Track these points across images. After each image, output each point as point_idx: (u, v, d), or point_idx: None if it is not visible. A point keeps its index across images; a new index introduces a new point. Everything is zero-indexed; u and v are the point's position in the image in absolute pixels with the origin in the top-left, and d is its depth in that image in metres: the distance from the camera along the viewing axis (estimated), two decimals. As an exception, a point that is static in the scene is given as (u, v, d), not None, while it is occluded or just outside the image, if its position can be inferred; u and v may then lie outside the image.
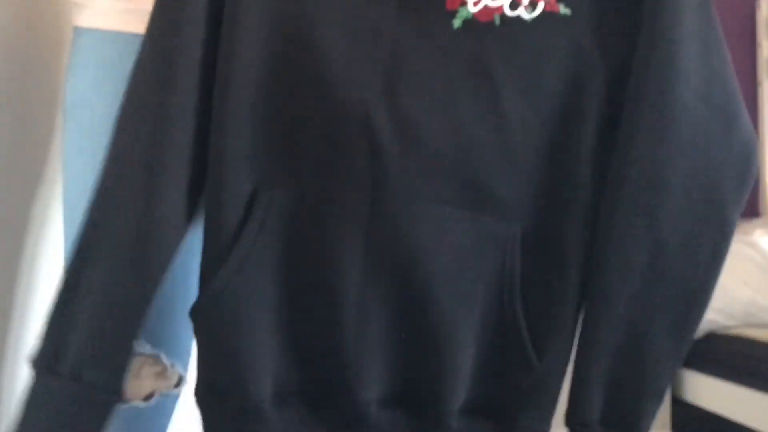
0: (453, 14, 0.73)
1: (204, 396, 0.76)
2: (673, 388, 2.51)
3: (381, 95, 0.73)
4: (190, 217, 0.76)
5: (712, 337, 2.33)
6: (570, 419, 0.82)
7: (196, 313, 0.75)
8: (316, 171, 0.75)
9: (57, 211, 1.04)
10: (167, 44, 0.74)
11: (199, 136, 0.74)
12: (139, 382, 0.86)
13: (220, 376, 0.75)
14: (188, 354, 0.92)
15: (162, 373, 0.88)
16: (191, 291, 0.81)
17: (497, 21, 0.73)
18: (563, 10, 0.73)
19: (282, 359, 0.76)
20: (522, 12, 0.72)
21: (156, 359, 0.87)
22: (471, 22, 0.73)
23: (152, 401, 0.88)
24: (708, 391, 2.33)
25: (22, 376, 0.99)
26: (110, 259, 0.72)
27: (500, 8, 0.73)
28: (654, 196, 0.74)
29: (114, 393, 0.72)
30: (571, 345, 0.81)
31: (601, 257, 0.76)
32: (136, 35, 0.87)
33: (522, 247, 0.76)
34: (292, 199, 0.74)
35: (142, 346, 0.86)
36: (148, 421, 0.89)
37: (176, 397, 0.93)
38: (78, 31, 0.90)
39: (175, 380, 0.90)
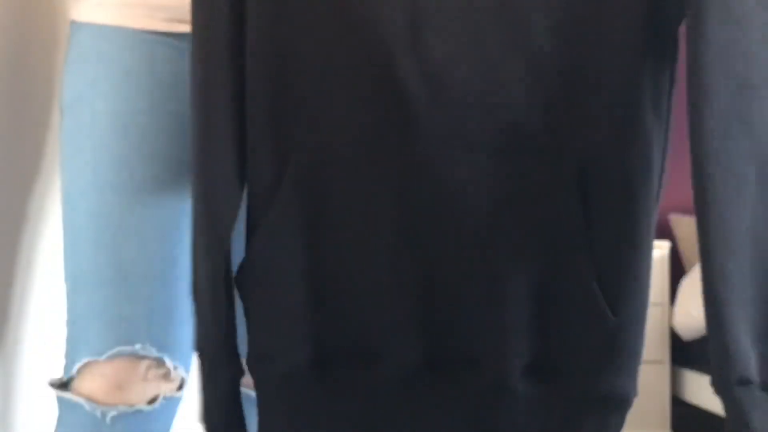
0: None
1: (253, 363, 0.74)
2: (673, 388, 2.51)
3: (405, 38, 0.69)
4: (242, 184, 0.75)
5: (712, 337, 2.33)
6: (719, 378, 0.67)
7: (239, 280, 0.73)
8: (343, 127, 0.72)
9: (53, 207, 1.03)
10: (202, 21, 0.73)
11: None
12: (144, 385, 0.85)
13: (264, 341, 0.74)
14: (190, 356, 0.91)
15: (166, 376, 0.88)
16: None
17: None
18: None
19: (321, 322, 0.74)
20: None
21: (160, 362, 0.86)
22: None
23: (156, 404, 0.87)
24: (708, 391, 2.31)
25: (20, 372, 0.99)
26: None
27: None
28: (744, 98, 0.66)
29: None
30: (648, 295, 0.73)
31: (703, 176, 0.66)
32: (134, 30, 0.86)
33: (580, 189, 0.71)
34: (321, 160, 0.72)
35: (147, 350, 0.85)
36: (152, 424, 0.88)
37: (179, 399, 0.92)
38: (75, 25, 0.88)
39: (178, 383, 0.89)
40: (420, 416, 0.74)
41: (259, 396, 0.76)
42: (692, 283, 2.39)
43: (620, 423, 0.75)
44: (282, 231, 0.72)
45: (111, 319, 0.85)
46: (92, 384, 0.84)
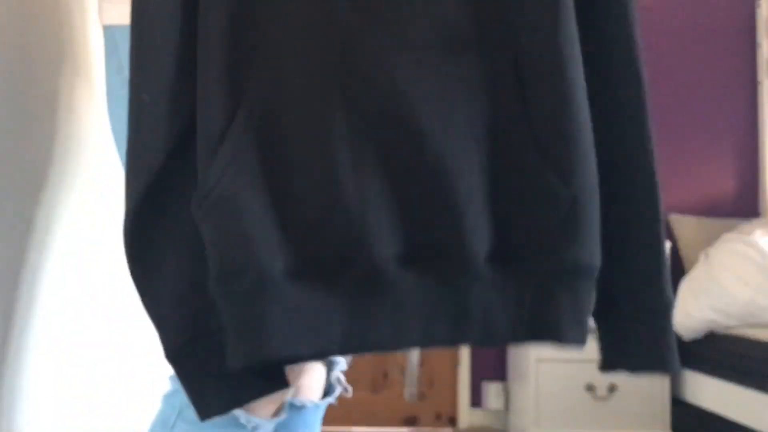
0: None
1: (219, 282, 0.76)
2: (673, 387, 2.52)
3: None
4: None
5: (712, 337, 2.34)
6: None
7: (195, 209, 0.75)
8: (288, 45, 0.76)
9: (61, 216, 1.05)
10: None
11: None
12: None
13: (229, 260, 0.75)
14: None
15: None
16: None
17: None
18: None
19: (287, 236, 0.76)
20: None
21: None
22: None
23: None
24: (708, 391, 2.33)
25: (24, 379, 0.99)
26: None
27: None
28: None
29: None
30: (594, 164, 0.77)
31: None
32: None
33: (516, 73, 0.75)
34: (270, 86, 0.76)
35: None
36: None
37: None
38: (113, 30, 0.87)
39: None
40: (396, 308, 0.76)
41: (226, 311, 0.76)
42: (692, 284, 2.40)
43: (591, 290, 0.77)
44: (238, 157, 0.75)
45: None
46: None
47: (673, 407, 2.49)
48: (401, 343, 0.77)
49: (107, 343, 1.22)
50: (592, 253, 0.75)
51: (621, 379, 2.46)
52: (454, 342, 0.78)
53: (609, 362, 0.80)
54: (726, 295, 2.25)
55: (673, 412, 2.49)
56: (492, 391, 2.83)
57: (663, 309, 0.79)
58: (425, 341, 0.79)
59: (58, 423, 0.87)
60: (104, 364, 1.19)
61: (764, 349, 2.07)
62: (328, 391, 0.96)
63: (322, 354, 0.79)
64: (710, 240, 2.54)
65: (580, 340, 0.75)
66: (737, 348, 2.21)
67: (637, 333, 0.79)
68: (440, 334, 0.77)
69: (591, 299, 0.77)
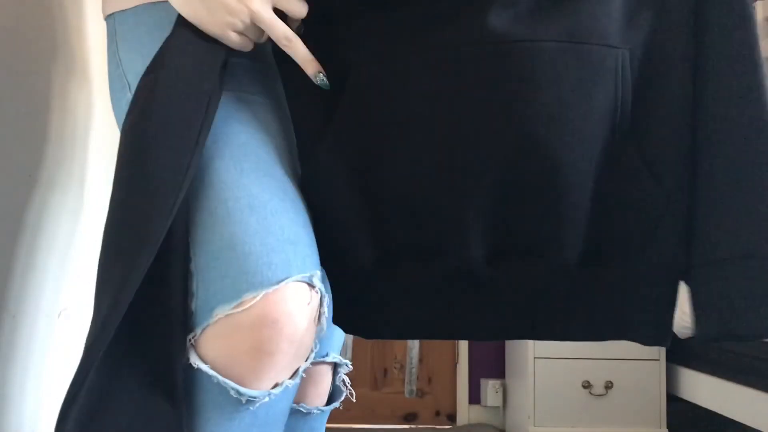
0: None
1: (325, 260, 0.77)
2: (668, 385, 2.54)
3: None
4: None
5: (707, 335, 2.35)
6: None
7: (304, 192, 0.77)
8: (398, 37, 0.73)
9: (51, 218, 1.03)
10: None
11: None
12: (313, 329, 0.73)
13: (330, 243, 0.77)
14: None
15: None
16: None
17: None
18: None
19: (383, 225, 0.77)
20: None
21: (322, 302, 0.75)
22: None
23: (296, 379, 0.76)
24: (703, 388, 2.35)
25: (14, 371, 0.98)
26: None
27: None
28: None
29: None
30: (692, 166, 0.73)
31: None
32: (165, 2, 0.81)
33: (631, 74, 0.72)
34: (378, 72, 0.74)
35: (319, 282, 0.73)
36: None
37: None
38: (127, 13, 0.84)
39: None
40: (482, 304, 0.78)
41: (333, 289, 0.80)
42: (688, 283, 2.41)
43: (675, 289, 0.77)
44: (342, 143, 0.76)
45: (276, 242, 0.71)
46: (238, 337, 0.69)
47: (668, 404, 2.51)
48: (482, 333, 0.79)
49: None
50: (678, 251, 0.74)
51: (617, 376, 2.49)
52: (519, 335, 0.79)
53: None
54: (721, 293, 2.26)
55: (669, 409, 2.51)
56: (490, 388, 2.85)
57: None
58: (501, 334, 0.80)
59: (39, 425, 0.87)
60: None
61: (759, 347, 2.09)
62: (333, 394, 0.97)
63: (409, 337, 0.81)
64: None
65: (658, 342, 0.77)
66: (733, 346, 2.23)
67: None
68: (515, 330, 0.78)
69: (676, 296, 0.77)
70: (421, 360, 2.82)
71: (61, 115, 1.07)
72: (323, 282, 0.75)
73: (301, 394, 0.92)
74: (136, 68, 0.82)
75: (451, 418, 2.90)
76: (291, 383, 0.73)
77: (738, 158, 0.70)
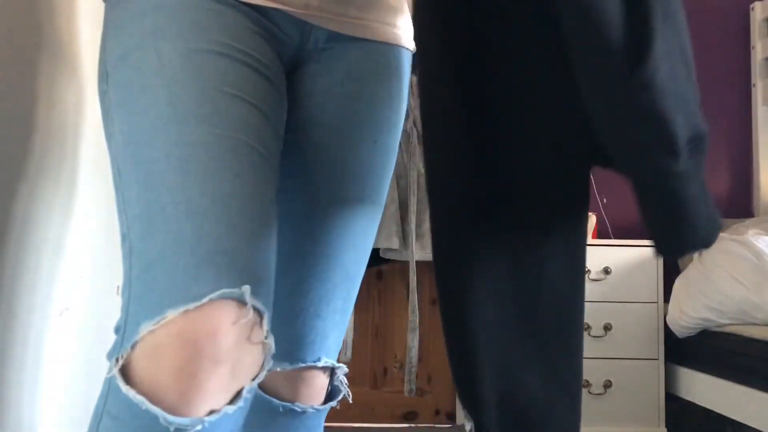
0: None
1: (430, 195, 0.87)
2: (667, 384, 2.55)
3: None
4: None
5: (705, 335, 2.36)
6: None
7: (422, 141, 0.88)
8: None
9: (38, 209, 1.01)
10: None
11: None
12: (249, 349, 0.68)
13: (436, 182, 0.88)
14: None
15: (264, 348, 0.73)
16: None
17: None
18: None
19: (484, 175, 0.87)
20: None
21: (261, 321, 0.70)
22: None
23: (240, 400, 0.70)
24: (701, 388, 2.36)
25: (9, 368, 0.95)
26: None
27: None
28: None
29: None
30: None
31: None
32: None
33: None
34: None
35: (253, 298, 0.67)
36: None
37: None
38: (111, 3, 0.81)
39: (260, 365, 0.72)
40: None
41: (432, 224, 0.88)
42: (686, 282, 2.43)
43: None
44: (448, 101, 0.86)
45: (207, 253, 0.65)
46: (160, 364, 0.63)
47: (667, 403, 2.52)
48: None
49: (87, 340, 1.20)
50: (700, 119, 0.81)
51: (616, 375, 2.50)
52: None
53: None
54: (720, 293, 2.27)
55: (667, 408, 2.52)
56: (489, 387, 2.86)
57: None
58: None
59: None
60: (83, 361, 1.17)
61: (756, 346, 2.11)
62: (332, 394, 0.97)
63: None
64: (705, 239, 2.55)
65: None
66: (730, 345, 2.24)
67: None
68: None
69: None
70: (420, 359, 2.82)
71: (47, 109, 1.04)
72: (264, 297, 0.69)
73: (293, 393, 0.92)
74: (114, 56, 0.78)
75: (451, 417, 2.91)
76: (231, 409, 0.66)
77: None
